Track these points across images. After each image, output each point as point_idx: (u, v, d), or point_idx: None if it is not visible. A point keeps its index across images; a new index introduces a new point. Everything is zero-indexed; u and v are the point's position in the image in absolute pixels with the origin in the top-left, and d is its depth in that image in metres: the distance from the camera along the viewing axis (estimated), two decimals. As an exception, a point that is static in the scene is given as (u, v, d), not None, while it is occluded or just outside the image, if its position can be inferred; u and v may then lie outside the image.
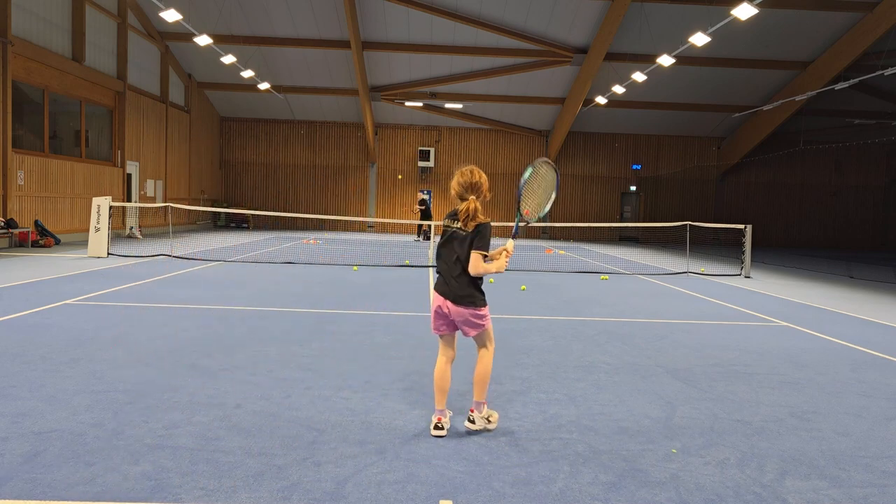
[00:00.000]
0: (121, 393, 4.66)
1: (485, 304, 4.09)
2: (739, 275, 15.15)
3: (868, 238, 33.14)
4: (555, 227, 32.93)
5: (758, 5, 14.95)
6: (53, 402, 4.38)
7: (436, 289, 4.13)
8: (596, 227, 32.50)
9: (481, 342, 4.19)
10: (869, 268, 19.23)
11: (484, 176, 4.12)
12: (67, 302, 8.30)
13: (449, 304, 4.03)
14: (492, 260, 4.02)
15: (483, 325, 4.09)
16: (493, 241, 4.05)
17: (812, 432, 4.38)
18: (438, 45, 24.87)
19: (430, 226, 22.27)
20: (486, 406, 4.21)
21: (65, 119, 19.21)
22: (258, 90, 27.48)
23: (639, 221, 31.92)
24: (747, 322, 8.80)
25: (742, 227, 15.43)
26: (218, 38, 22.76)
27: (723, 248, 26.39)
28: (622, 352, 6.64)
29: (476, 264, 3.96)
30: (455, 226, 4.04)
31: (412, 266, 14.84)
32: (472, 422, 4.12)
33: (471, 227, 3.99)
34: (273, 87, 27.55)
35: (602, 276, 14.08)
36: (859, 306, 10.73)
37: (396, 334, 7.12)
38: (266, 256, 16.08)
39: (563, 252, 21.95)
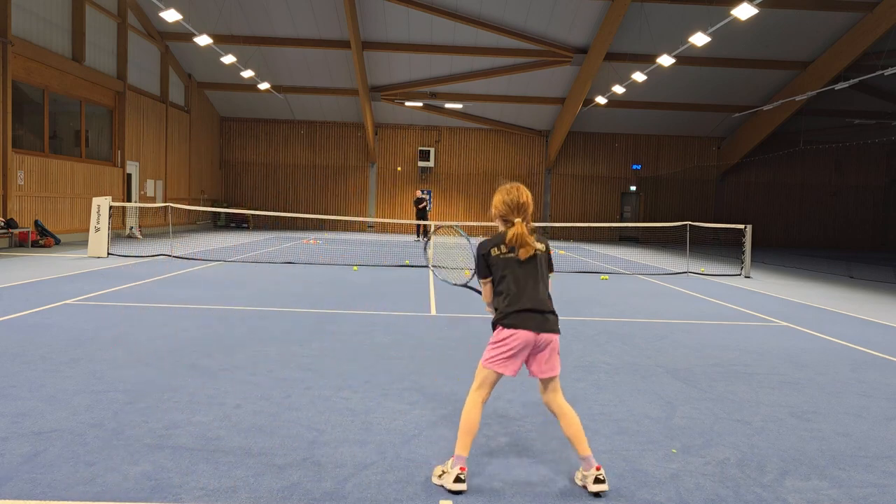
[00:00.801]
0: (121, 393, 4.66)
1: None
2: (739, 275, 15.15)
3: (868, 238, 33.14)
4: (555, 227, 32.93)
5: (758, 5, 14.95)
6: (53, 402, 4.38)
7: (518, 326, 3.43)
8: (596, 227, 32.50)
9: (557, 381, 3.54)
10: (869, 268, 19.23)
11: (530, 195, 3.58)
12: (67, 302, 8.30)
13: (544, 336, 3.47)
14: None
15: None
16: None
17: (812, 432, 4.38)
18: (438, 45, 24.87)
19: (424, 226, 22.27)
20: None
21: (65, 119, 19.21)
22: (258, 90, 27.48)
23: (639, 221, 31.92)
24: (747, 322, 8.80)
25: (742, 227, 15.43)
26: (218, 38, 22.76)
27: (723, 248, 26.39)
28: (622, 352, 6.64)
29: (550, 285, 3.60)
30: (520, 250, 3.45)
31: (412, 266, 14.84)
32: (602, 481, 3.31)
33: (541, 246, 3.54)
34: (273, 87, 27.55)
35: (602, 276, 14.08)
36: (859, 306, 10.73)
37: (396, 334, 7.12)
38: (266, 256, 16.08)
39: (562, 252, 21.95)
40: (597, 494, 3.27)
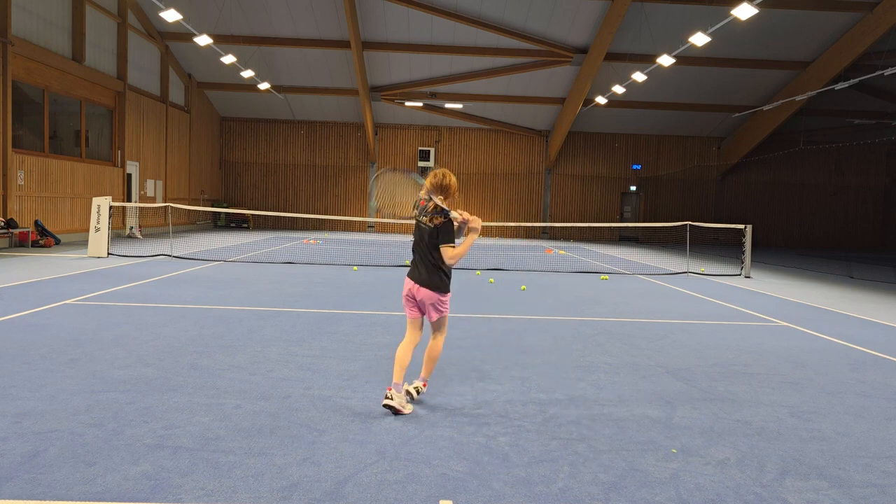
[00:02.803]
0: (121, 393, 4.66)
1: (448, 292, 4.62)
2: (739, 275, 15.15)
3: (868, 238, 33.14)
4: (555, 227, 32.93)
5: (758, 5, 14.95)
6: (53, 402, 4.38)
7: (408, 275, 4.64)
8: (596, 227, 32.50)
9: (438, 327, 4.68)
10: (869, 268, 19.23)
11: (454, 180, 4.59)
12: (67, 302, 8.30)
13: (418, 287, 4.53)
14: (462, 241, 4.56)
15: (443, 312, 4.62)
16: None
17: (812, 432, 4.38)
18: (438, 45, 24.87)
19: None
20: (425, 384, 4.81)
21: (65, 119, 19.21)
22: (258, 90, 27.48)
23: (639, 221, 31.92)
24: (747, 322, 8.80)
25: (742, 227, 15.43)
26: (218, 38, 22.75)
27: (723, 248, 26.39)
28: (622, 352, 6.64)
29: (446, 255, 4.46)
30: (422, 218, 4.55)
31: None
32: (418, 392, 4.73)
33: (435, 222, 4.46)
34: (273, 87, 27.55)
35: (602, 276, 14.08)
36: (859, 306, 10.73)
37: (396, 334, 7.12)
38: (266, 256, 16.08)
39: (563, 252, 21.95)
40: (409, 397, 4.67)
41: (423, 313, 4.62)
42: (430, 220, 4.48)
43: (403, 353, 4.52)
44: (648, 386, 5.38)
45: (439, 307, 4.57)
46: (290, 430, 4.05)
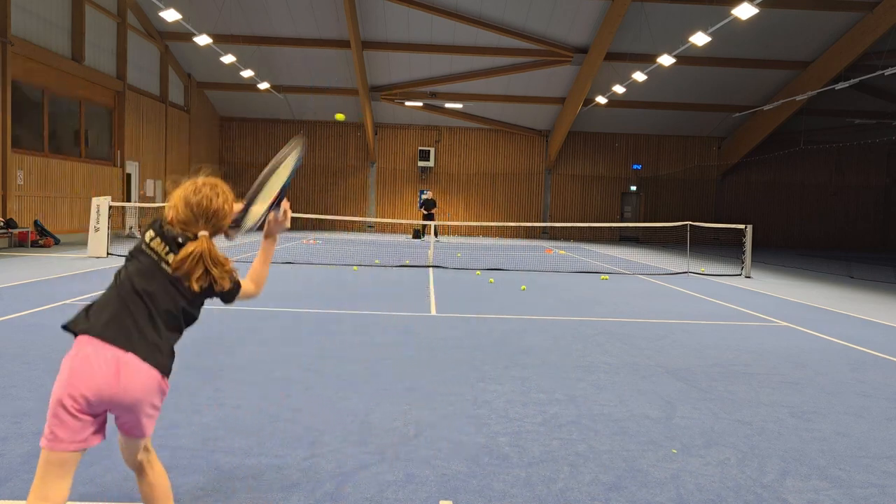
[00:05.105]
0: (121, 393, 4.65)
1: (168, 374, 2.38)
2: (740, 275, 15.14)
3: (868, 238, 33.14)
4: (555, 227, 32.92)
5: (758, 5, 14.95)
6: (53, 402, 4.38)
7: (92, 332, 2.29)
8: (596, 227, 32.50)
9: (144, 444, 2.50)
10: (869, 268, 19.23)
11: (227, 195, 2.64)
12: (67, 302, 8.30)
13: (129, 359, 2.24)
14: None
15: (157, 414, 2.41)
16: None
17: (812, 432, 4.38)
18: (438, 44, 24.87)
19: (430, 226, 22.28)
20: None
21: (64, 119, 19.20)
22: (258, 90, 27.48)
23: (639, 221, 31.91)
24: (747, 322, 8.80)
25: (742, 227, 15.42)
26: (218, 38, 22.75)
27: (723, 248, 26.38)
28: (622, 352, 6.64)
29: (248, 290, 2.77)
30: (165, 255, 2.39)
31: (412, 266, 14.84)
32: None
33: (196, 281, 2.39)
34: (273, 86, 27.55)
35: (602, 276, 14.07)
36: (859, 306, 10.73)
37: (396, 334, 7.12)
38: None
39: (563, 252, 21.95)
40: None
41: (96, 435, 2.31)
42: (192, 271, 2.39)
43: None
44: (648, 386, 5.38)
45: (157, 405, 2.37)
46: (290, 430, 4.04)
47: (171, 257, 2.39)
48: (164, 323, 2.38)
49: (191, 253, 2.38)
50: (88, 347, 2.27)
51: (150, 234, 2.44)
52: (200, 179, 2.55)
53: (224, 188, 2.62)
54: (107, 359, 2.24)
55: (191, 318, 2.55)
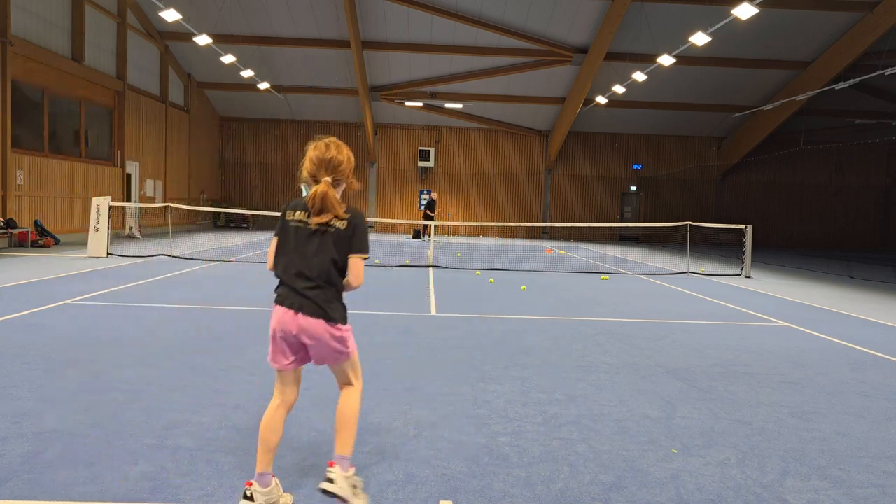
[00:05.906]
0: (121, 393, 4.65)
1: (347, 322, 3.07)
2: (740, 275, 15.14)
3: (868, 238, 33.14)
4: (555, 227, 32.92)
5: (758, 5, 14.94)
6: (53, 402, 4.38)
7: (279, 302, 3.01)
8: (596, 227, 32.50)
9: (345, 377, 3.17)
10: (869, 268, 19.23)
11: (348, 152, 3.14)
12: (67, 302, 8.30)
13: (301, 319, 2.94)
14: None
15: (348, 352, 3.07)
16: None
17: (812, 432, 4.38)
18: (438, 44, 24.87)
19: (430, 226, 22.30)
20: (352, 467, 3.06)
21: (64, 119, 19.20)
22: (258, 90, 27.47)
23: (639, 221, 31.92)
24: (747, 322, 8.80)
25: (742, 227, 15.43)
26: (218, 38, 22.74)
27: (723, 248, 26.38)
28: (622, 352, 6.64)
29: (359, 272, 3.04)
30: (303, 218, 3.03)
31: (412, 266, 14.84)
32: (332, 481, 2.93)
33: (325, 219, 2.98)
34: (273, 86, 27.55)
35: (602, 276, 14.07)
36: (859, 306, 10.73)
37: (396, 334, 7.12)
38: (266, 257, 16.03)
39: (563, 252, 21.95)
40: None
41: (305, 361, 3.09)
42: (330, 220, 2.99)
43: (272, 425, 3.03)
44: (648, 386, 5.38)
45: (338, 347, 3.03)
46: (290, 430, 4.04)
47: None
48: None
49: (316, 192, 3.01)
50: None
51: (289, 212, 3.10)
52: (325, 140, 3.13)
53: (343, 146, 3.16)
54: (284, 315, 3.04)
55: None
